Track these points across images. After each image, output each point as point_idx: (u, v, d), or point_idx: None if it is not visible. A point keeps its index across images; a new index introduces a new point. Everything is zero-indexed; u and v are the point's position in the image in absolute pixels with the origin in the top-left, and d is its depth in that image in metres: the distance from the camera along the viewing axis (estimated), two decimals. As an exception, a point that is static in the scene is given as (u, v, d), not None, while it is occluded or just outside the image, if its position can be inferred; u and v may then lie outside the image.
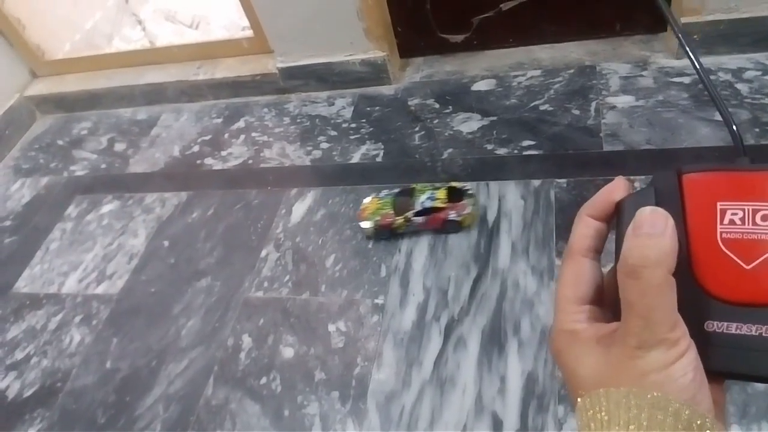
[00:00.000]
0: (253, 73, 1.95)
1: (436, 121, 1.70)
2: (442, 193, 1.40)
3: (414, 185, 1.46)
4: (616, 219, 0.31)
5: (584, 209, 0.32)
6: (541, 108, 1.64)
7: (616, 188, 0.32)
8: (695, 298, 0.28)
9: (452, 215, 1.37)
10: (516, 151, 1.55)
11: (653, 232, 0.26)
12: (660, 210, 0.27)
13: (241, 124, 1.92)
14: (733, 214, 0.28)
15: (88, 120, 2.16)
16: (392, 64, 1.85)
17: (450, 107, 1.73)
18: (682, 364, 0.26)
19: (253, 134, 1.87)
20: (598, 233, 0.32)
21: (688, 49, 0.32)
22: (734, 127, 0.31)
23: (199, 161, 1.84)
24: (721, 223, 0.28)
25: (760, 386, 0.99)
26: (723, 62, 1.58)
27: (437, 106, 1.75)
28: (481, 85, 1.77)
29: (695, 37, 1.57)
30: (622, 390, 0.26)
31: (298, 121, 1.86)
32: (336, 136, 1.76)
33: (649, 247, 0.26)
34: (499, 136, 1.60)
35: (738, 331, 0.27)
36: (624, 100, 1.58)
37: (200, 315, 1.41)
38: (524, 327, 1.20)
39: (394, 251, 1.40)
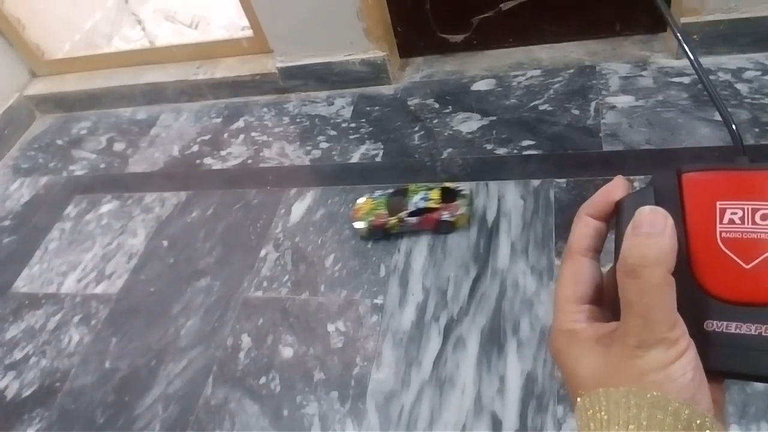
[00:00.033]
0: (252, 72, 1.95)
1: (435, 121, 1.70)
2: (435, 194, 1.40)
3: (408, 185, 1.46)
4: (616, 218, 0.31)
5: (583, 209, 0.32)
6: (541, 108, 1.64)
7: (616, 188, 0.32)
8: (695, 298, 0.28)
9: (445, 216, 1.37)
10: (515, 151, 1.55)
11: (653, 231, 0.26)
12: (659, 209, 0.27)
13: (240, 123, 1.92)
14: (732, 213, 0.28)
15: (88, 120, 2.15)
16: (392, 64, 1.85)
17: (450, 107, 1.73)
18: (681, 363, 0.26)
19: (253, 134, 1.87)
20: (597, 233, 0.32)
21: (687, 49, 0.32)
22: (734, 127, 0.31)
23: (198, 161, 1.84)
24: (721, 223, 0.28)
25: (759, 386, 0.99)
26: (723, 62, 1.58)
27: (437, 105, 1.75)
28: (480, 85, 1.77)
29: (695, 37, 1.57)
30: (622, 389, 0.26)
31: (298, 120, 1.86)
32: (335, 136, 1.76)
33: (648, 247, 0.26)
34: (498, 136, 1.60)
35: (737, 331, 0.27)
36: (624, 100, 1.58)
37: (199, 315, 1.41)
38: (523, 327, 1.20)
39: (393, 251, 1.40)
